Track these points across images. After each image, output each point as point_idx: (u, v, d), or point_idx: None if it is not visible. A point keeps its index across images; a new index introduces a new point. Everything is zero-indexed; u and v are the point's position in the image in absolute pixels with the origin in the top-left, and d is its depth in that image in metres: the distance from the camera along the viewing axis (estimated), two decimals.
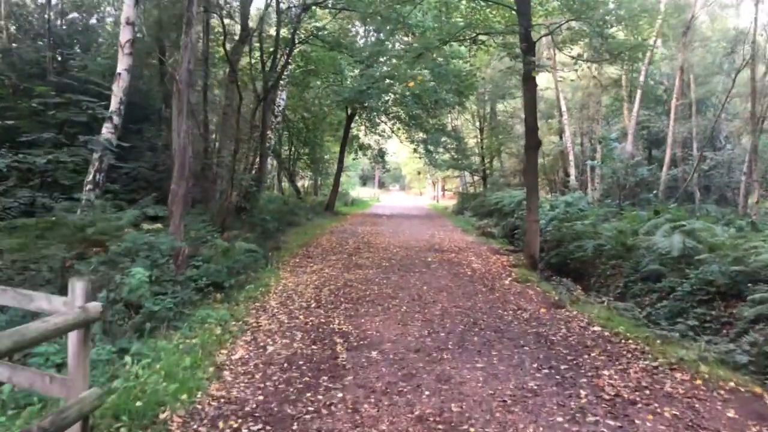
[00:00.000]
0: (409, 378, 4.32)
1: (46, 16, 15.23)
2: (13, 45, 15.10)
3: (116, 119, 9.74)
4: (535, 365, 4.71)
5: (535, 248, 12.22)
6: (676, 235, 10.32)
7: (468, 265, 11.09)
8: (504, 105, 31.04)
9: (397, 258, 11.77)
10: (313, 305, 6.91)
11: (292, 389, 4.07)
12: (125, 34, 9.73)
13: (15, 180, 9.88)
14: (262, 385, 4.13)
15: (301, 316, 6.31)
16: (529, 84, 11.75)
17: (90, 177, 9.38)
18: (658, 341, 5.37)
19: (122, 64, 9.67)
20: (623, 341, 5.45)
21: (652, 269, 10.18)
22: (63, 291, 3.11)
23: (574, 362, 4.80)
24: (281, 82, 19.46)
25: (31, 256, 5.83)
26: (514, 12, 11.44)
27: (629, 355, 4.97)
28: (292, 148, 24.07)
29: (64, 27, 17.31)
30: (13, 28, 16.43)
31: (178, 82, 6.59)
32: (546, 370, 4.59)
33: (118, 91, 9.72)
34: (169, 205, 6.76)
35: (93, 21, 18.89)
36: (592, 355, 5.01)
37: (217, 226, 12.48)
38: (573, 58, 11.44)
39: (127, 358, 4.05)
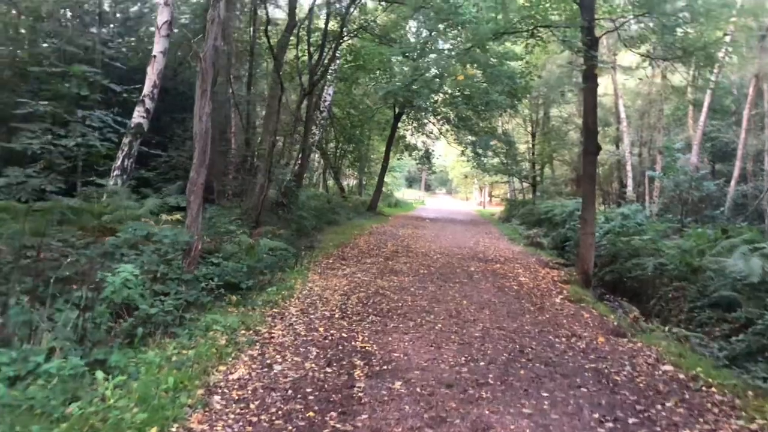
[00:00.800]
0: (438, 423, 3.47)
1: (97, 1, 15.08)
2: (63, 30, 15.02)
3: (149, 103, 9.30)
4: (596, 415, 3.79)
5: (590, 263, 11.15)
6: (755, 258, 9.08)
7: (514, 278, 10.13)
8: (559, 110, 29.62)
9: (436, 265, 10.92)
10: (337, 315, 6.16)
11: (290, 427, 3.31)
12: (163, 15, 9.30)
13: (45, 162, 9.56)
14: (255, 419, 3.37)
15: (320, 329, 5.56)
16: (590, 83, 10.69)
17: (118, 162, 8.96)
18: (750, 392, 4.34)
19: (158, 46, 9.24)
20: (704, 388, 4.44)
21: (723, 296, 9.02)
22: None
23: (645, 414, 3.86)
24: (328, 77, 18.91)
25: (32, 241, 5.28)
26: (576, 6, 10.42)
27: (716, 410, 3.97)
28: (339, 145, 23.48)
29: (118, 15, 17.24)
30: (68, 14, 16.42)
31: (202, 60, 5.96)
32: (610, 424, 3.67)
33: (152, 74, 9.28)
34: (187, 195, 6.14)
35: (146, 9, 18.81)
36: (668, 405, 4.04)
37: (251, 220, 11.97)
38: (642, 55, 10.27)
39: (99, 374, 3.39)
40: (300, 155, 17.16)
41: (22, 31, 13.96)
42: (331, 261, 10.56)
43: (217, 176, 14.38)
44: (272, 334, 5.20)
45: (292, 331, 5.36)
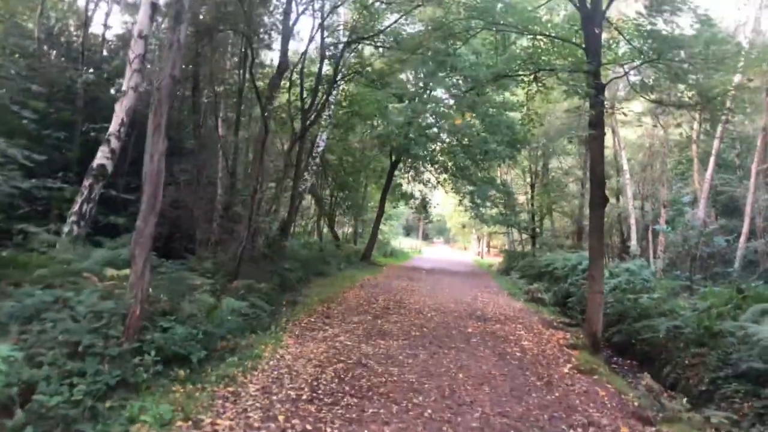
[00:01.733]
0: None
1: (80, 39, 14.53)
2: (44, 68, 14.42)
3: (115, 143, 8.48)
4: None
5: (598, 326, 10.13)
6: None
7: (516, 341, 9.07)
8: (559, 161, 29.08)
9: (430, 326, 9.86)
10: (305, 396, 5.08)
11: None
12: (137, 48, 8.56)
13: None
14: None
15: (281, 416, 4.49)
16: (597, 130, 9.93)
17: (75, 207, 8.03)
18: None
19: (129, 80, 8.45)
20: None
21: (753, 367, 7.99)
22: None
23: None
24: (322, 122, 18.32)
25: None
26: (581, 51, 9.79)
27: None
28: (335, 192, 22.69)
29: (105, 53, 16.71)
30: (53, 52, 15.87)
31: (156, 91, 5.13)
32: None
33: (120, 111, 8.49)
34: (131, 248, 5.19)
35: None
36: None
37: (229, 274, 10.99)
38: (654, 102, 9.57)
39: None
40: (290, 203, 16.31)
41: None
42: (312, 319, 9.50)
43: (200, 224, 13.48)
44: (216, 427, 4.13)
45: (243, 422, 4.28)
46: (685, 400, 6.96)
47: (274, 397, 4.95)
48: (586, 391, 6.28)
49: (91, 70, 13.71)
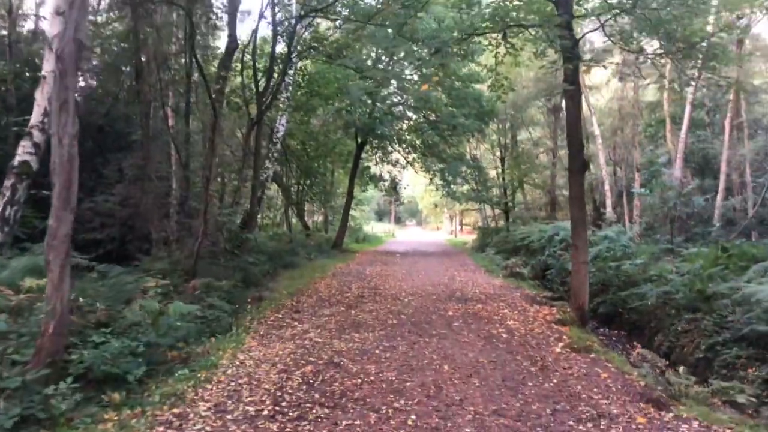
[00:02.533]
0: None
1: (6, 32, 13.19)
2: None
3: (38, 136, 7.42)
4: None
5: (585, 298, 9.61)
6: None
7: (501, 321, 8.42)
8: (529, 132, 28.61)
9: (408, 311, 9.15)
10: (266, 411, 4.28)
11: None
12: (54, 27, 7.50)
13: None
14: None
15: None
16: (573, 87, 9.28)
17: None
18: None
19: (48, 64, 7.41)
20: None
21: (756, 330, 7.54)
22: None
23: None
24: (280, 105, 17.31)
25: None
26: (551, 6, 9.07)
27: None
28: (300, 180, 21.69)
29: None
30: None
31: (58, 59, 4.21)
32: None
33: (41, 99, 7.44)
34: (45, 253, 4.29)
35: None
36: None
37: (185, 273, 10.09)
38: (635, 53, 8.94)
39: None
40: (251, 193, 15.33)
41: None
42: (280, 316, 8.69)
43: (155, 222, 12.46)
44: None
45: None
46: (682, 369, 6.42)
47: (229, 417, 4.13)
48: (586, 374, 5.65)
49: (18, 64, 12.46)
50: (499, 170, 30.59)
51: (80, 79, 12.34)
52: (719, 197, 17.01)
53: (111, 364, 4.33)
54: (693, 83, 12.11)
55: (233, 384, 4.95)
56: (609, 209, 20.53)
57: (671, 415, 4.38)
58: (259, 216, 25.39)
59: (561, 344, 7.09)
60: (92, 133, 12.91)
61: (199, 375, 5.06)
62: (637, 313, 10.34)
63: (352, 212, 39.73)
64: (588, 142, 26.42)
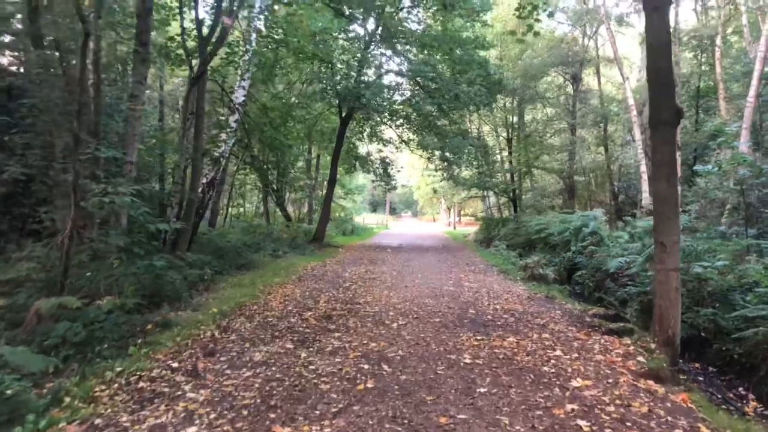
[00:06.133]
0: None
1: None
2: None
3: None
4: None
5: (676, 325, 6.05)
6: None
7: (560, 379, 4.74)
8: (543, 106, 24.86)
9: (396, 353, 5.46)
10: None
11: None
12: None
13: None
14: None
15: None
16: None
17: None
18: None
19: None
20: None
21: None
22: None
23: None
24: (239, 61, 13.47)
25: None
26: None
27: None
28: (264, 155, 17.70)
29: None
30: None
31: None
32: None
33: None
34: None
35: None
36: None
37: (47, 286, 6.41)
38: None
39: None
40: (192, 171, 11.49)
41: None
42: (175, 365, 4.99)
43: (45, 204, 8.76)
44: None
45: None
46: None
47: None
48: None
49: None
50: (506, 153, 26.94)
51: None
52: None
53: None
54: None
55: None
56: (645, 194, 16.81)
57: None
58: (230, 205, 21.65)
59: None
60: None
61: None
62: (735, 342, 6.69)
63: (341, 202, 36.02)
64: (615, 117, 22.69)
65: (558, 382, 4.62)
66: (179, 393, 4.30)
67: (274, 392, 4.31)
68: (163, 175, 13.29)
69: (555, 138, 26.15)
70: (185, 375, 4.74)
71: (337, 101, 18.06)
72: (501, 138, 27.76)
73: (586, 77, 25.58)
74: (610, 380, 4.74)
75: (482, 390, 4.38)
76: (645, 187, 16.70)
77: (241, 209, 26.40)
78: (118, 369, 4.76)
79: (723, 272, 8.49)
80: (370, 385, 4.48)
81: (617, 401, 4.21)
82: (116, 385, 4.43)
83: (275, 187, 21.74)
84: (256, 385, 4.45)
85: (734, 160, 10.99)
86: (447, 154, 19.27)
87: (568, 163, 22.97)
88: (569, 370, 4.98)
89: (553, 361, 5.24)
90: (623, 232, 13.69)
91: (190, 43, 12.07)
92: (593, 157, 24.79)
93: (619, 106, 23.27)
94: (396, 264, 14.25)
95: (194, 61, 11.63)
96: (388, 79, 20.04)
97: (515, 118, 25.89)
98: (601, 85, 24.36)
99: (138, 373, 4.71)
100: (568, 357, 5.43)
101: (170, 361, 5.12)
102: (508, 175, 25.96)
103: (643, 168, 16.68)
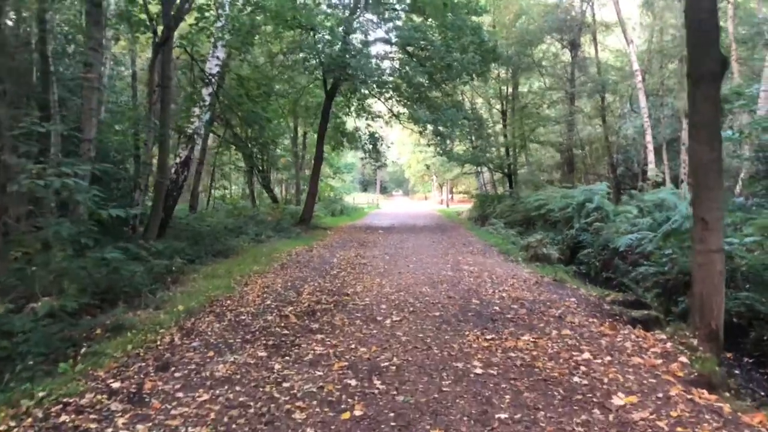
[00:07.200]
0: None
1: None
2: None
3: None
4: None
5: (719, 315, 5.12)
6: None
7: (592, 389, 3.78)
8: (539, 75, 23.73)
9: (390, 357, 4.49)
10: None
11: None
12: None
13: None
14: None
15: None
16: None
17: None
18: None
19: None
20: None
21: None
22: None
23: None
24: (212, 29, 12.21)
25: None
26: None
27: None
28: (242, 130, 16.41)
29: None
30: None
31: None
32: None
33: None
34: None
35: None
36: None
37: None
38: None
39: None
40: (159, 148, 10.32)
41: None
42: (118, 385, 3.97)
43: None
44: None
45: None
46: None
47: None
48: None
49: None
50: (500, 127, 25.85)
51: None
52: None
53: None
54: None
55: None
56: (651, 165, 15.85)
57: None
58: (213, 186, 20.46)
59: None
60: None
61: None
62: None
63: (330, 181, 34.84)
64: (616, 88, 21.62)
65: (595, 400, 3.65)
66: (118, 414, 3.30)
67: (234, 426, 3.31)
68: (138, 156, 12.15)
69: (551, 109, 25.08)
70: (124, 401, 3.73)
71: (321, 72, 16.84)
72: (495, 110, 26.66)
73: (583, 45, 24.44)
74: (659, 394, 3.78)
75: (502, 416, 3.39)
76: (651, 157, 15.73)
77: (226, 191, 25.22)
78: (41, 394, 3.74)
79: (751, 249, 7.64)
80: (357, 412, 3.48)
81: (678, 429, 3.24)
82: (29, 419, 3.41)
83: (260, 168, 20.59)
84: (212, 416, 3.45)
85: (757, 124, 10.03)
86: (440, 127, 18.13)
87: (567, 134, 21.92)
88: (605, 380, 4.02)
89: (583, 368, 4.28)
90: (630, 207, 12.80)
91: (154, 7, 10.81)
92: (591, 129, 23.78)
93: (617, 74, 22.20)
94: (388, 246, 13.25)
95: (159, 28, 10.42)
96: (376, 50, 18.84)
97: (510, 89, 24.75)
98: (598, 52, 23.23)
99: (64, 399, 3.70)
100: (599, 361, 4.47)
101: (111, 380, 4.10)
102: (503, 150, 24.94)
103: (648, 138, 15.68)
